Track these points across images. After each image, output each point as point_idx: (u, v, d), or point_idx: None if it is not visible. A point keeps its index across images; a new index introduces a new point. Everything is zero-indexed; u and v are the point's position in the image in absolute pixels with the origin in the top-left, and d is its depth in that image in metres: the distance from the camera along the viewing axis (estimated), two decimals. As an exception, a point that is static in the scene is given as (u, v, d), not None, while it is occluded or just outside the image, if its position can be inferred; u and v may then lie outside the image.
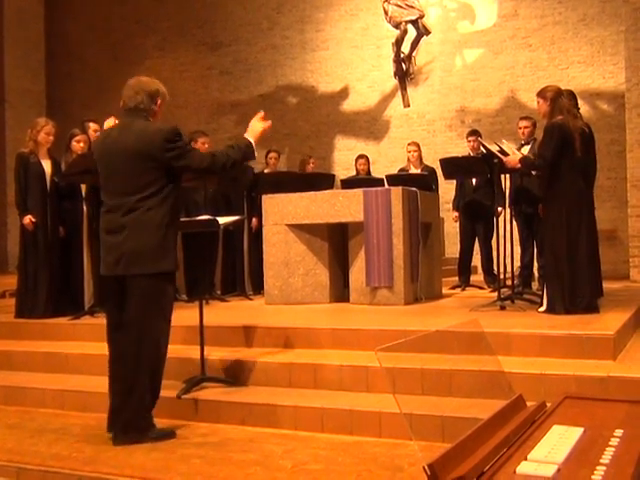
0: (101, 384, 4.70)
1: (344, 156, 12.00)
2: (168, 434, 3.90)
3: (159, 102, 3.99)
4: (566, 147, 5.18)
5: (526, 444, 1.76)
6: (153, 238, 3.76)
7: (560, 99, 5.30)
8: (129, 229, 3.77)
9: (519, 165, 5.57)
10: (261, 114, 4.14)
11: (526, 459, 1.64)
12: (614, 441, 1.75)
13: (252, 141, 4.03)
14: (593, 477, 1.52)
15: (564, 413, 2.04)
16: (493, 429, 1.83)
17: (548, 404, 2.12)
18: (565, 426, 1.86)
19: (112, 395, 3.91)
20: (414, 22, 11.16)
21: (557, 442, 1.74)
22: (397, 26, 11.24)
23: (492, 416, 1.90)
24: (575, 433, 1.80)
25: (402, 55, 11.45)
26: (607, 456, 1.64)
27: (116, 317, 3.90)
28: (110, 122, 5.66)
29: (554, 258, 5.26)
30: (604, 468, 1.57)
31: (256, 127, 4.08)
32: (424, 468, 1.53)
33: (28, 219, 6.27)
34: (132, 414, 3.79)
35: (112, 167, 3.88)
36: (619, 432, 1.81)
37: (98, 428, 4.16)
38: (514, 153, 5.76)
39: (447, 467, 1.57)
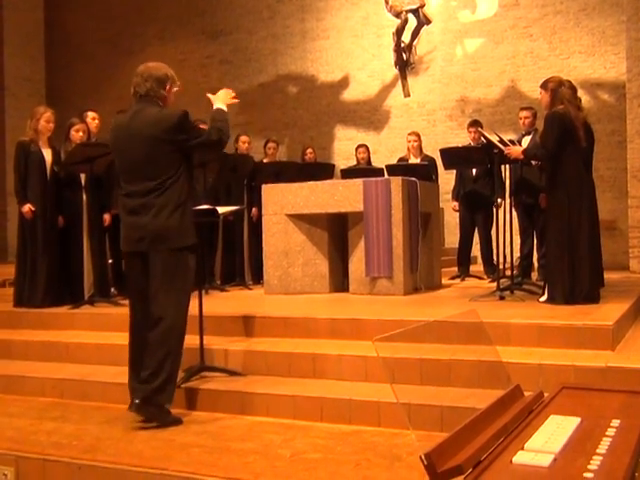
0: (100, 373, 4.74)
1: (344, 146, 11.98)
2: (176, 420, 3.95)
3: (168, 87, 4.07)
4: (568, 136, 5.18)
5: (523, 434, 1.77)
6: (174, 216, 3.92)
7: (561, 89, 5.30)
8: (151, 209, 3.91)
9: (522, 156, 5.58)
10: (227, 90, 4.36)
11: (523, 448, 1.65)
12: (611, 431, 1.76)
13: (224, 108, 4.20)
14: (589, 467, 1.52)
15: (561, 403, 2.05)
16: (490, 419, 1.84)
17: (546, 394, 2.13)
18: (562, 416, 1.87)
19: (133, 371, 4.00)
20: (415, 11, 11.10)
21: (554, 432, 1.75)
22: (398, 15, 11.19)
23: (489, 406, 1.91)
24: (572, 423, 1.81)
25: (403, 44, 11.39)
26: (604, 446, 1.65)
27: (140, 293, 4.02)
28: None
29: (555, 247, 5.26)
30: (600, 458, 1.57)
31: (223, 95, 4.28)
32: (421, 457, 1.53)
33: (27, 208, 6.26)
34: (157, 387, 3.84)
35: (128, 154, 3.99)
36: (616, 422, 1.82)
37: (97, 417, 4.18)
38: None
39: (444, 456, 1.58)
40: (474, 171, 7.97)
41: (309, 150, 9.28)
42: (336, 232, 6.84)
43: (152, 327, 3.90)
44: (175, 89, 4.14)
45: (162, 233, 3.90)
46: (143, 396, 3.85)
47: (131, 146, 3.96)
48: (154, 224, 3.90)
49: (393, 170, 7.32)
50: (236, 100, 4.36)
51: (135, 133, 3.95)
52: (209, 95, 4.33)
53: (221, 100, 4.24)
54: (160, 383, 3.85)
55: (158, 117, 3.95)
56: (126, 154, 4.00)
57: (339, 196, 6.47)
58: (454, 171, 8.33)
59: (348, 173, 7.91)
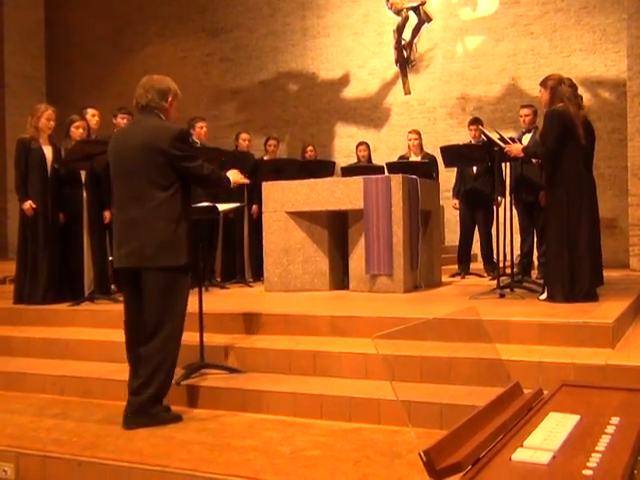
0: (101, 370, 4.75)
1: (345, 143, 11.97)
2: (176, 418, 3.94)
3: (170, 99, 4.02)
4: (567, 134, 5.17)
5: (522, 431, 1.77)
6: (164, 232, 3.80)
7: (560, 87, 5.29)
8: (140, 223, 3.81)
9: (522, 154, 5.58)
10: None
11: (522, 446, 1.65)
12: (610, 429, 1.76)
13: (231, 180, 4.25)
14: (588, 464, 1.53)
15: (561, 400, 2.05)
16: (490, 416, 1.84)
17: (546, 392, 2.13)
18: (561, 413, 1.87)
19: (131, 379, 3.96)
20: (415, 9, 11.11)
21: (553, 429, 1.75)
22: (398, 13, 11.20)
23: (489, 403, 1.91)
24: (571, 420, 1.81)
25: (403, 42, 11.41)
26: (603, 443, 1.65)
27: (133, 306, 3.96)
28: None
29: (555, 245, 5.26)
30: (599, 455, 1.58)
31: (236, 176, 4.34)
32: (420, 455, 1.54)
33: (28, 205, 6.27)
34: (147, 399, 3.83)
35: (123, 162, 3.92)
36: (615, 420, 1.82)
37: (98, 414, 4.19)
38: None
39: (443, 453, 1.58)
40: (474, 169, 7.97)
41: (309, 148, 9.28)
42: (336, 230, 6.84)
43: (148, 340, 3.85)
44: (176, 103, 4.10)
45: (150, 248, 3.79)
46: (133, 410, 3.84)
47: (126, 155, 3.88)
48: (142, 238, 3.80)
49: (393, 168, 7.31)
50: (244, 181, 4.50)
51: (132, 141, 3.88)
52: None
53: (233, 177, 4.30)
54: (151, 394, 3.83)
55: (157, 127, 3.90)
56: (120, 162, 3.93)
57: (339, 194, 6.47)
58: (454, 169, 8.33)
59: (348, 171, 7.91)
